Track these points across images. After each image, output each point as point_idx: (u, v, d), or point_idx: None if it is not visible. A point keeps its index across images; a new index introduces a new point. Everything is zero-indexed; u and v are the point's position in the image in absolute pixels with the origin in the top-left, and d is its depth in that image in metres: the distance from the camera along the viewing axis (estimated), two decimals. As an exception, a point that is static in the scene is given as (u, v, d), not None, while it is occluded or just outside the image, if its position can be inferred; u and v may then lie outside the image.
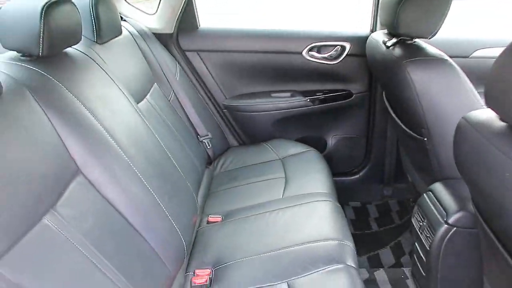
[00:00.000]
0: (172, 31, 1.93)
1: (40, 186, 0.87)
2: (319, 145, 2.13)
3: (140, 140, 1.26)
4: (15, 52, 1.06)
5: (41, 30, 0.99)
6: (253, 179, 1.75)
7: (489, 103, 0.79)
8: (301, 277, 1.17)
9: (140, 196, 1.13)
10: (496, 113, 0.80)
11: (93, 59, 1.25)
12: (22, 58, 1.05)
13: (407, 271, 1.57)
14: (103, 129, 1.09)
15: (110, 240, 1.00)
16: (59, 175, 0.94)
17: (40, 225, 0.84)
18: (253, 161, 1.91)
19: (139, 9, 1.89)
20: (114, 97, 1.25)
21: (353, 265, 1.20)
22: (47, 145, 0.94)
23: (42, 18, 0.99)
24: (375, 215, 2.15)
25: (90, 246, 0.93)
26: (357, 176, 2.23)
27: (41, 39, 0.99)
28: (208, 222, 1.54)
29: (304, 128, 2.16)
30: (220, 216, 1.55)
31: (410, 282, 1.51)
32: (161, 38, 1.89)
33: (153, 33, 1.86)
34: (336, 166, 2.13)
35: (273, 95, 2.07)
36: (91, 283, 0.90)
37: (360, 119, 2.13)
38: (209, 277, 1.26)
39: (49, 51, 1.03)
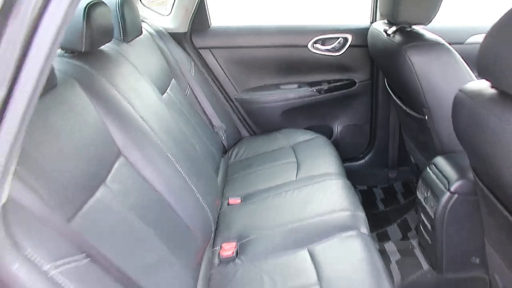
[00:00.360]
0: (186, 30, 2.06)
1: (93, 164, 1.00)
2: (325, 133, 2.25)
3: (168, 127, 1.39)
4: (59, 50, 1.19)
5: (84, 28, 1.12)
6: (267, 165, 1.86)
7: (481, 73, 0.92)
8: (319, 243, 1.30)
9: (172, 176, 1.26)
10: (488, 81, 0.93)
11: (124, 56, 1.38)
12: (65, 55, 1.18)
13: (414, 242, 1.69)
14: (139, 117, 1.22)
15: (151, 213, 1.13)
16: (106, 156, 1.07)
17: (95, 197, 0.97)
18: (265, 149, 2.03)
19: (154, 11, 2.02)
20: (143, 89, 1.38)
21: (366, 232, 1.33)
22: (94, 129, 1.07)
23: (85, 17, 1.12)
24: (381, 197, 2.28)
25: (136, 217, 1.05)
26: (362, 161, 2.35)
27: (84, 37, 1.13)
28: (228, 204, 1.66)
29: (311, 117, 2.28)
30: (239, 198, 1.67)
31: (417, 251, 1.64)
32: (175, 37, 2.02)
33: (168, 32, 2.00)
34: (342, 153, 2.24)
35: (281, 87, 2.20)
36: (140, 248, 1.02)
37: (364, 106, 2.26)
38: (235, 250, 1.38)
39: (89, 48, 1.16)
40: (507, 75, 0.84)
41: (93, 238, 0.88)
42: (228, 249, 1.38)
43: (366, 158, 2.35)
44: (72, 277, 0.71)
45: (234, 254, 1.36)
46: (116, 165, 1.10)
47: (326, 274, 1.16)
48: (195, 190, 1.32)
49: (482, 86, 0.96)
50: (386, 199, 2.26)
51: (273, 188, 1.66)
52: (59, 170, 0.88)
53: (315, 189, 1.58)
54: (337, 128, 2.32)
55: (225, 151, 2.09)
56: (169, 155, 1.27)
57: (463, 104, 1.01)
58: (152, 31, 1.87)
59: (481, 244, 1.37)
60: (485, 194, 1.14)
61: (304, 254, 1.27)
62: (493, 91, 0.92)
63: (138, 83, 1.38)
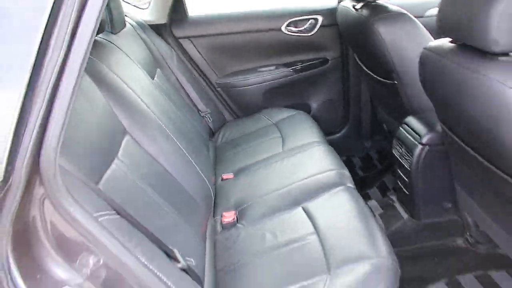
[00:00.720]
0: (165, 22, 2.15)
1: (105, 142, 1.10)
2: (303, 110, 2.40)
3: (164, 109, 1.50)
4: None
5: None
6: (254, 142, 1.98)
7: (442, 30, 1.08)
8: (312, 201, 1.44)
9: (174, 151, 1.38)
10: (448, 37, 1.09)
11: (116, 45, 1.47)
12: None
13: (394, 197, 1.87)
14: (139, 99, 1.33)
15: (160, 184, 1.24)
16: (114, 135, 1.18)
17: (111, 168, 1.07)
18: (251, 129, 2.14)
19: (134, 5, 2.11)
20: (138, 75, 1.49)
21: (352, 186, 1.48)
22: (103, 112, 1.17)
23: None
24: (360, 165, 2.45)
25: (148, 186, 1.16)
26: (339, 134, 2.51)
27: None
28: (222, 180, 1.78)
29: (289, 96, 2.42)
30: (231, 173, 1.79)
31: (397, 205, 1.81)
32: (156, 28, 2.11)
33: (148, 25, 2.09)
34: (320, 127, 2.41)
35: (259, 69, 2.32)
36: (156, 212, 1.14)
37: (337, 82, 2.42)
38: (235, 217, 1.51)
39: None
40: (463, 30, 1.00)
41: (118, 200, 0.98)
42: (228, 216, 1.49)
43: (343, 131, 2.51)
44: (111, 227, 0.82)
45: (235, 220, 1.47)
46: (124, 142, 1.21)
47: (321, 224, 1.30)
48: (195, 164, 1.44)
49: (443, 41, 1.13)
50: (364, 166, 2.44)
51: (262, 161, 1.78)
52: (78, 145, 0.98)
53: (301, 156, 1.72)
54: (314, 104, 2.46)
55: (211, 134, 2.20)
56: (169, 133, 1.38)
57: (428, 59, 1.17)
58: (134, 23, 1.96)
59: (451, 187, 1.56)
60: (453, 140, 1.31)
61: (299, 211, 1.40)
62: (453, 45, 1.09)
63: (133, 70, 1.48)
